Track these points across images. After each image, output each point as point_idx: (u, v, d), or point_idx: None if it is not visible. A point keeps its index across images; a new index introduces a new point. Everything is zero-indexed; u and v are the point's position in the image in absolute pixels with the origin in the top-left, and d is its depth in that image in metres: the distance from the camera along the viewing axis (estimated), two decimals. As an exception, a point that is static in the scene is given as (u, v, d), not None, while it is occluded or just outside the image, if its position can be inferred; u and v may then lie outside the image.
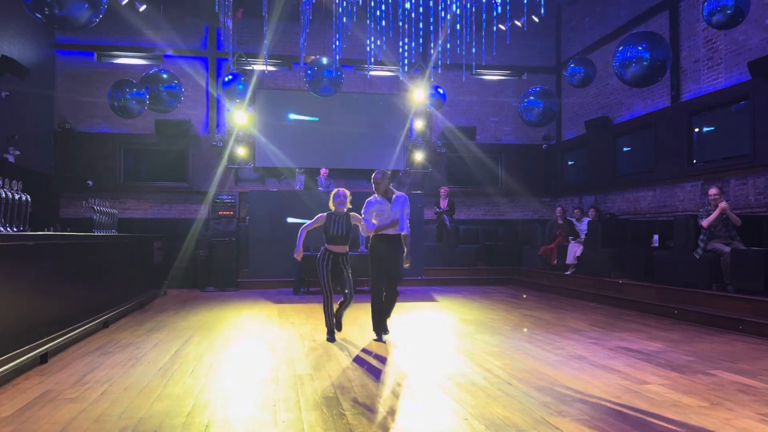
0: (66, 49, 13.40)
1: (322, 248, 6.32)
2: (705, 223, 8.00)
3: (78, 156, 13.15)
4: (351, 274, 6.30)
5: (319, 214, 6.32)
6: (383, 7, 9.24)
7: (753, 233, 8.14)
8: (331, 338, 6.30)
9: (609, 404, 3.97)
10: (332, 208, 6.28)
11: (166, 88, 9.93)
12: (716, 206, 8.04)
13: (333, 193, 6.33)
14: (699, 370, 4.95)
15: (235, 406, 3.97)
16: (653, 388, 4.36)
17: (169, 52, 13.81)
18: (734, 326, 6.88)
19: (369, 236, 6.32)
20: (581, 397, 4.13)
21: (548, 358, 5.45)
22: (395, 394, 4.25)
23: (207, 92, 14.02)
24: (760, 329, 6.55)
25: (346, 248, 6.31)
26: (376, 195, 6.28)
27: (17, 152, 10.56)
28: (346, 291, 6.24)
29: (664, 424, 3.55)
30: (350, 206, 6.34)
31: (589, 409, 3.86)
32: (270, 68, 14.20)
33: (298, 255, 6.35)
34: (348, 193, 6.35)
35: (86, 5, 6.74)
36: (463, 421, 3.64)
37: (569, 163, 14.97)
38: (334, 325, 6.37)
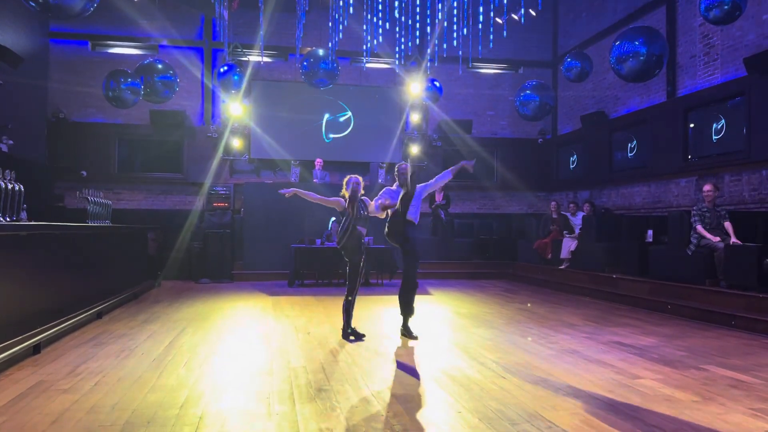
0: (60, 38, 13.28)
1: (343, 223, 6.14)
2: (700, 229, 8.02)
3: (72, 146, 13.06)
4: (365, 261, 6.23)
5: (336, 197, 6.19)
6: (380, -1, 9.19)
7: (747, 229, 8.16)
8: (347, 336, 6.09)
9: (602, 398, 3.99)
10: (347, 195, 6.15)
11: (161, 78, 9.87)
12: (710, 202, 8.07)
13: (345, 180, 6.18)
14: (691, 365, 4.97)
15: (229, 397, 3.96)
16: (646, 383, 4.38)
17: (164, 43, 13.72)
18: (727, 321, 6.92)
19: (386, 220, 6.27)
20: (574, 392, 4.15)
21: (542, 352, 5.47)
22: (389, 387, 4.25)
23: (202, 83, 13.94)
24: (753, 324, 6.59)
25: (365, 231, 6.21)
26: (397, 184, 6.28)
27: (10, 142, 10.48)
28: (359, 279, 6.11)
29: (657, 419, 3.57)
30: (363, 192, 6.24)
31: (582, 403, 3.87)
32: (266, 59, 14.13)
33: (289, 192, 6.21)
34: (361, 179, 6.20)
35: (80, -6, 6.67)
36: (457, 414, 3.65)
37: (565, 157, 14.97)
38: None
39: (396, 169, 6.30)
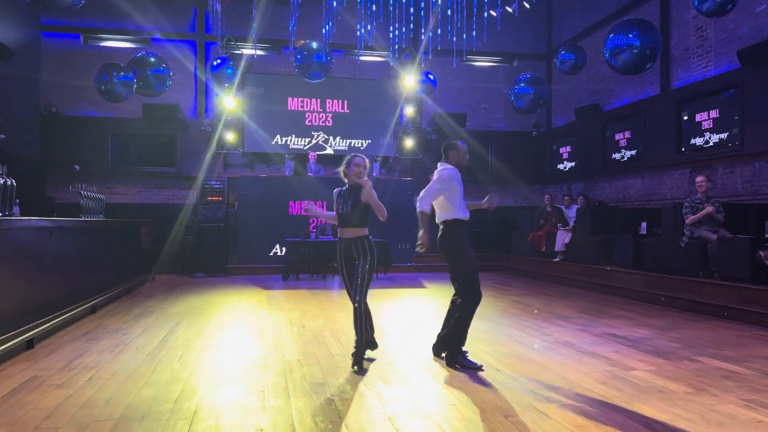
0: (52, 32, 13.17)
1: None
2: (689, 221, 8.07)
3: (65, 140, 12.97)
4: (368, 267, 4.71)
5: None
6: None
7: (739, 221, 8.21)
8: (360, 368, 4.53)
9: (595, 390, 4.01)
10: (346, 180, 4.83)
11: (154, 71, 9.79)
12: (703, 193, 8.11)
13: (348, 159, 4.83)
14: (684, 356, 5.00)
15: (224, 391, 3.96)
16: (639, 374, 4.40)
17: (157, 36, 13.62)
18: (720, 313, 6.96)
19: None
20: (568, 384, 4.16)
21: (536, 344, 5.49)
22: (384, 381, 4.26)
23: (195, 76, 13.86)
24: (745, 316, 6.63)
25: (360, 231, 4.76)
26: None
27: (2, 136, 10.39)
28: (352, 293, 4.73)
29: (650, 410, 3.59)
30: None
31: (576, 395, 3.89)
32: (259, 53, 14.06)
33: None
34: (367, 161, 4.89)
35: (71, -14, 6.62)
36: (452, 407, 3.66)
37: (559, 150, 14.98)
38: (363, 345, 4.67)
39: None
